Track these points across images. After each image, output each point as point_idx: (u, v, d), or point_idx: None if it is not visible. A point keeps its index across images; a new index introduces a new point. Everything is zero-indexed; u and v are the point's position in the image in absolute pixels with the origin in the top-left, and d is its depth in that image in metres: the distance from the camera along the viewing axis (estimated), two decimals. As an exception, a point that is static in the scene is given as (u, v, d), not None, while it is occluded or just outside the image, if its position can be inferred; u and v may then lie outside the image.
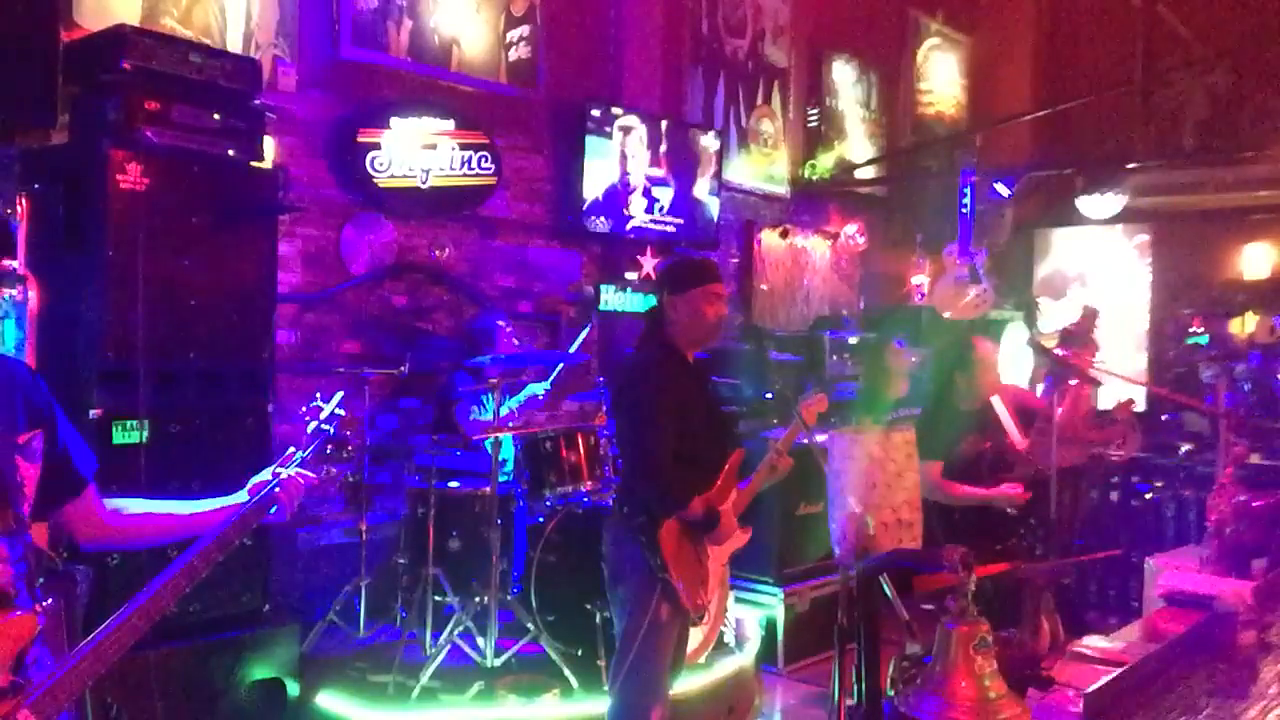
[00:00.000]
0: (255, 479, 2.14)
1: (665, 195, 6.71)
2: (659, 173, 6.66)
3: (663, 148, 6.68)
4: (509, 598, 4.33)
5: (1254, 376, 6.98)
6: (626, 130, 6.44)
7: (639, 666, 3.21)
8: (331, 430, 2.24)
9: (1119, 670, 2.13)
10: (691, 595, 3.21)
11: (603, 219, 6.32)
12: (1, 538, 1.72)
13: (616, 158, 6.39)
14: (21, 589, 1.74)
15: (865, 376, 6.66)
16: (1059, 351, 4.65)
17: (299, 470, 2.16)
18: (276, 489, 2.10)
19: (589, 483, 4.42)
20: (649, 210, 6.61)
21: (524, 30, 6.00)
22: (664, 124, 6.69)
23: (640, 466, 3.28)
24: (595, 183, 6.27)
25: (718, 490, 3.30)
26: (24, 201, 3.78)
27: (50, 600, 1.81)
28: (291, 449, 2.21)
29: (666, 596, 3.18)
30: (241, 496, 2.10)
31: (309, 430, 2.24)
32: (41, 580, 1.80)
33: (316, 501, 4.91)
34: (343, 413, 2.25)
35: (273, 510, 2.10)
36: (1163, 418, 7.57)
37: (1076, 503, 5.80)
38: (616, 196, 6.41)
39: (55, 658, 1.78)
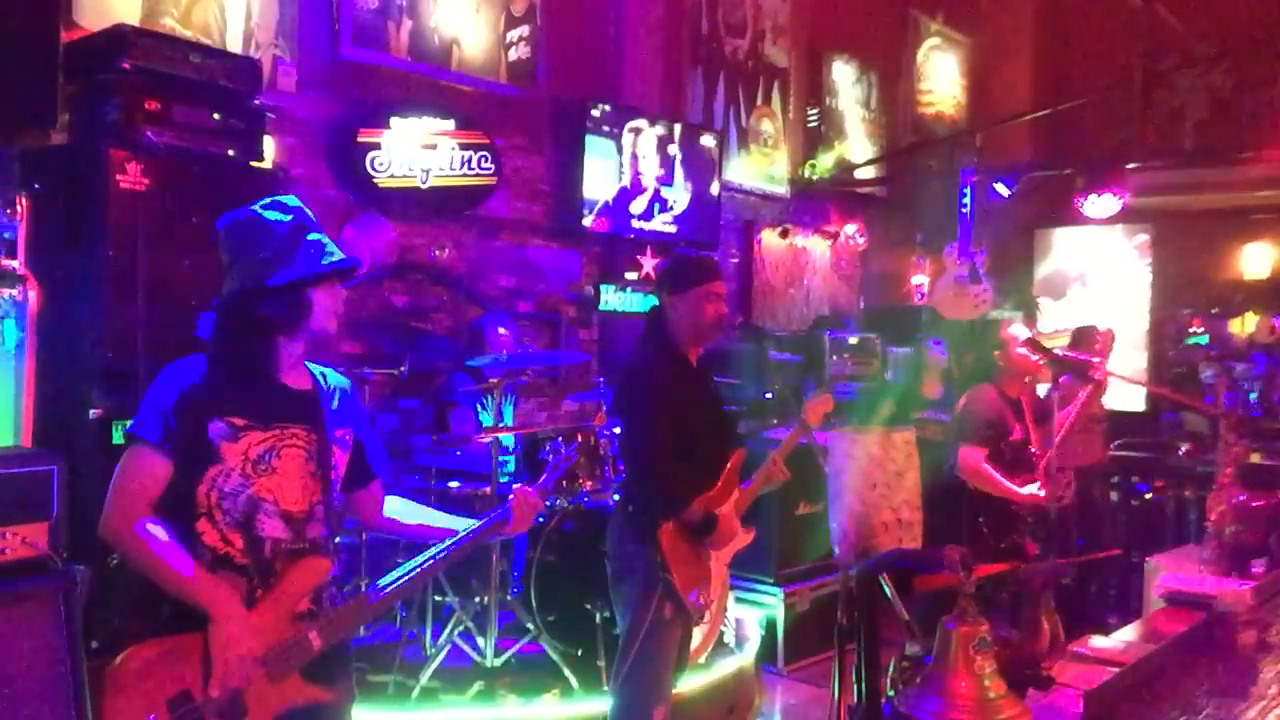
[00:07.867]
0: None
1: (665, 195, 6.71)
2: (659, 172, 6.66)
3: (662, 148, 6.68)
4: (509, 598, 4.33)
5: (1249, 379, 6.99)
6: (629, 130, 6.44)
7: (642, 665, 3.20)
8: (567, 466, 2.51)
9: (1119, 670, 2.13)
10: (691, 595, 3.20)
11: (603, 219, 6.32)
12: (319, 505, 2.21)
13: (617, 157, 6.39)
14: (326, 542, 2.23)
15: (903, 375, 6.87)
16: (1059, 350, 4.65)
17: (533, 488, 2.48)
18: (510, 506, 2.40)
19: (589, 483, 4.41)
20: (649, 210, 6.61)
21: (524, 30, 6.00)
22: (663, 124, 6.69)
23: (641, 467, 3.28)
24: (595, 183, 6.27)
25: (719, 491, 3.30)
26: (24, 201, 3.78)
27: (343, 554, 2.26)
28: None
29: (669, 596, 3.17)
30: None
31: (550, 461, 2.59)
32: (337, 539, 2.33)
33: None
34: (578, 456, 2.62)
35: (508, 524, 2.41)
36: (1163, 418, 7.58)
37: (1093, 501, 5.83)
38: (617, 196, 6.41)
39: (339, 600, 2.26)
